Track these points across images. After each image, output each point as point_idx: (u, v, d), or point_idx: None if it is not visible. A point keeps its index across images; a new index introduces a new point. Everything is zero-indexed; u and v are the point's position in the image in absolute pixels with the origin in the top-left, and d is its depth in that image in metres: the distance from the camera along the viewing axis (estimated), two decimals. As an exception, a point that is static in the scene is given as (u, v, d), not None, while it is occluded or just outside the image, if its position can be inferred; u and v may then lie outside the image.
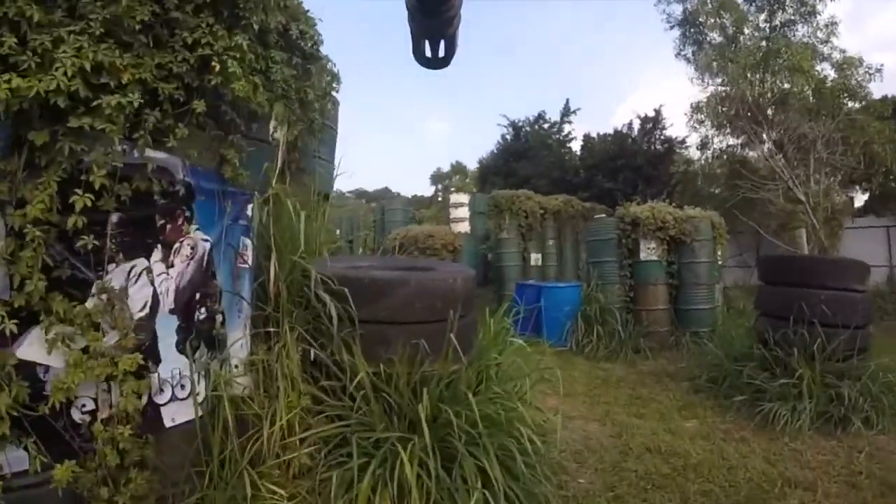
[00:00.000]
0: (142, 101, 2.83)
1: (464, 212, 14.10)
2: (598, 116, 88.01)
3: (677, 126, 27.20)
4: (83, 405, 2.79)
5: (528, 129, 27.74)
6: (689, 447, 5.19)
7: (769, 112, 15.05)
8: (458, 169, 42.60)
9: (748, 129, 15.15)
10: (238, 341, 3.60)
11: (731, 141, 17.08)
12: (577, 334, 9.44)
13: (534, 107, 29.38)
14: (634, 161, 21.74)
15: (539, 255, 14.75)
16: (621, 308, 9.70)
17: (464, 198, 14.20)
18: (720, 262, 10.82)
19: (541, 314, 10.10)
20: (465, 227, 14.05)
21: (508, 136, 28.00)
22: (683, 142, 22.02)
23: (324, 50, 5.04)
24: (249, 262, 3.88)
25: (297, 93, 4.58)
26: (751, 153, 16.67)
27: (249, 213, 3.86)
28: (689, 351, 8.79)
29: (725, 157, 17.13)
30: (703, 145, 17.57)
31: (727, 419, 5.97)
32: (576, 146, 27.08)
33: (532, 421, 4.18)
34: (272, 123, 4.61)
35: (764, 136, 15.40)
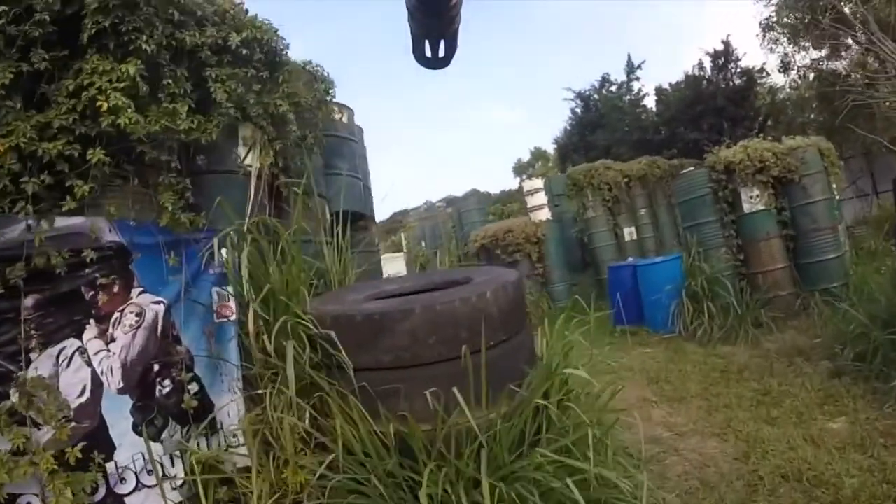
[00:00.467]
0: (16, 170, 2.70)
1: (541, 198, 12.87)
2: (666, 66, 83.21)
3: (752, 55, 25.08)
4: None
5: (595, 96, 26.11)
6: (838, 466, 3.79)
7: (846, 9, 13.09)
8: (539, 155, 40.87)
9: (828, 33, 13.24)
10: (224, 408, 3.32)
11: (815, 54, 15.16)
12: (684, 316, 8.05)
13: (599, 73, 27.59)
14: (714, 103, 19.85)
15: (632, 229, 13.42)
16: (731, 275, 8.26)
17: (537, 183, 13.01)
18: (837, 197, 9.15)
19: (640, 298, 8.83)
20: (545, 214, 12.82)
21: (578, 109, 26.57)
22: (762, 70, 19.99)
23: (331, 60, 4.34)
24: (233, 314, 3.54)
25: (265, 108, 4.20)
26: (838, 64, 14.70)
27: (223, 257, 3.53)
28: (822, 316, 7.25)
29: (812, 75, 15.17)
30: (784, 67, 15.72)
31: (886, 412, 4.49)
32: (650, 103, 25.24)
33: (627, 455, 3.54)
34: (240, 149, 4.26)
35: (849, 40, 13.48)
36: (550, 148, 33.07)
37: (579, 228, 13.82)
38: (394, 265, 32.85)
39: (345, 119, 7.29)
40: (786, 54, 15.59)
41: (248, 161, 4.28)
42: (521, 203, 15.63)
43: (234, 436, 3.31)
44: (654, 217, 13.92)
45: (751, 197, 8.15)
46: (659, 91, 23.71)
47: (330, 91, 6.15)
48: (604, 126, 23.97)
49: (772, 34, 15.27)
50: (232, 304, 3.56)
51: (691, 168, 10.52)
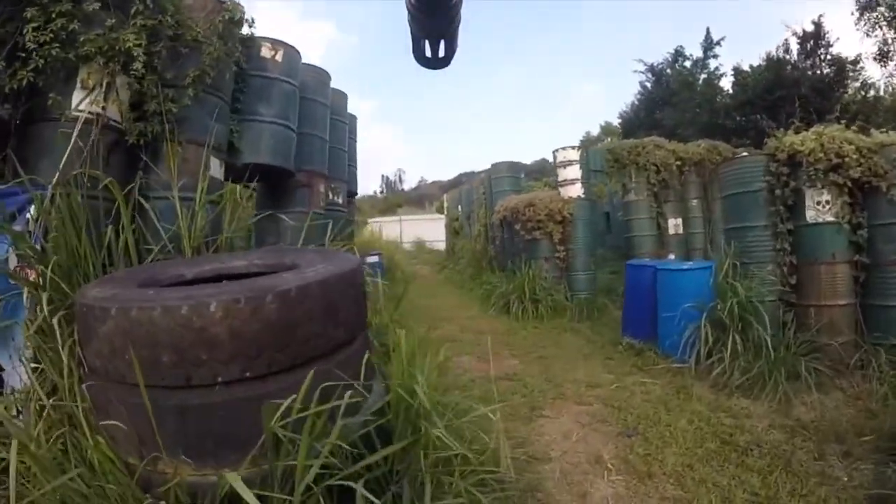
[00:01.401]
0: None
1: (574, 171, 10.98)
2: (750, 44, 77.70)
3: (845, 43, 22.33)
4: None
5: (668, 71, 23.76)
6: None
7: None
8: (609, 130, 38.03)
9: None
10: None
11: None
12: (699, 346, 6.10)
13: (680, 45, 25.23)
14: (797, 90, 17.40)
15: (679, 220, 11.52)
16: (774, 304, 6.22)
17: (572, 154, 11.05)
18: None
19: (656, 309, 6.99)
20: (577, 191, 10.94)
21: (648, 84, 24.42)
22: (857, 61, 17.37)
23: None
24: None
25: (110, 45, 3.96)
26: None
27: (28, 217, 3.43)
28: (885, 385, 5.14)
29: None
30: (882, 55, 13.26)
31: None
32: (726, 84, 22.78)
33: None
34: (75, 94, 3.98)
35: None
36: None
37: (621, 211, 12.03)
38: (421, 227, 32.09)
39: (278, 58, 6.43)
40: (885, 41, 13.13)
41: (83, 106, 3.95)
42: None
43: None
44: (708, 210, 11.86)
45: (818, 203, 6.07)
46: (737, 71, 21.29)
47: (236, 20, 5.54)
48: (673, 104, 21.96)
49: (871, 14, 12.78)
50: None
51: (745, 153, 8.45)
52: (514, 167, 14.81)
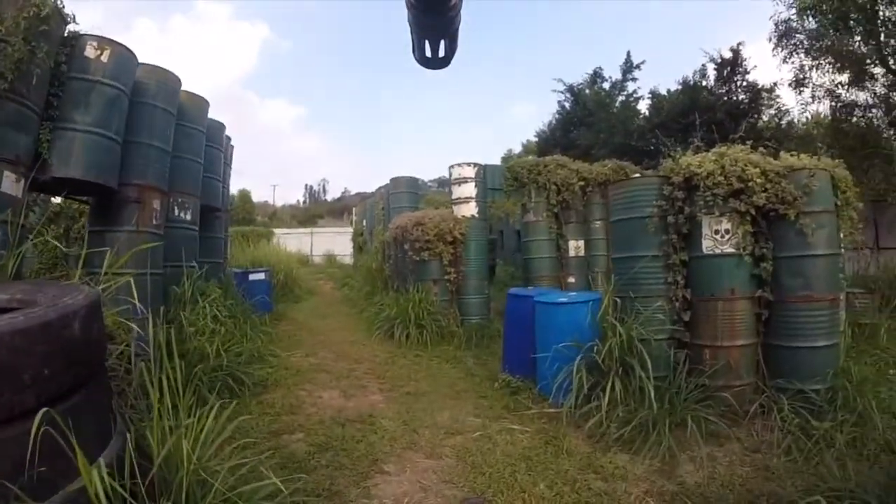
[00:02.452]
0: None
1: (468, 189, 10.25)
2: (672, 70, 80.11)
3: (764, 69, 22.65)
4: None
5: (587, 91, 23.58)
6: None
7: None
8: (529, 148, 37.81)
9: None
10: None
11: (836, 77, 12.69)
12: (576, 390, 5.28)
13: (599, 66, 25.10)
14: (712, 116, 17.35)
15: (581, 243, 10.92)
16: (664, 342, 5.51)
17: (468, 171, 10.31)
18: (842, 250, 6.39)
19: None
20: (470, 210, 10.20)
21: (567, 104, 24.20)
22: (772, 89, 17.65)
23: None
24: None
25: None
26: (860, 94, 12.30)
27: None
28: (787, 436, 4.53)
29: (828, 101, 12.77)
30: (797, 83, 13.21)
31: None
32: (644, 107, 22.92)
33: None
34: None
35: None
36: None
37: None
38: (333, 241, 31.04)
39: (104, 58, 5.73)
40: (801, 67, 13.02)
41: None
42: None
43: None
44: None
45: (716, 232, 5.40)
46: (653, 94, 21.35)
47: (43, 16, 4.79)
48: (588, 125, 21.72)
49: (789, 42, 12.67)
50: None
51: (637, 176, 7.85)
52: (412, 183, 14.02)
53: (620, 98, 24.19)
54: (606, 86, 24.60)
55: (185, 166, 7.59)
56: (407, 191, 13.63)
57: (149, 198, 6.37)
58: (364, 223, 19.84)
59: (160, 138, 6.69)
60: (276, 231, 32.85)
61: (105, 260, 4.63)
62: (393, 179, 13.98)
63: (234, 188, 44.47)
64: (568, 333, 5.60)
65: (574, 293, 7.23)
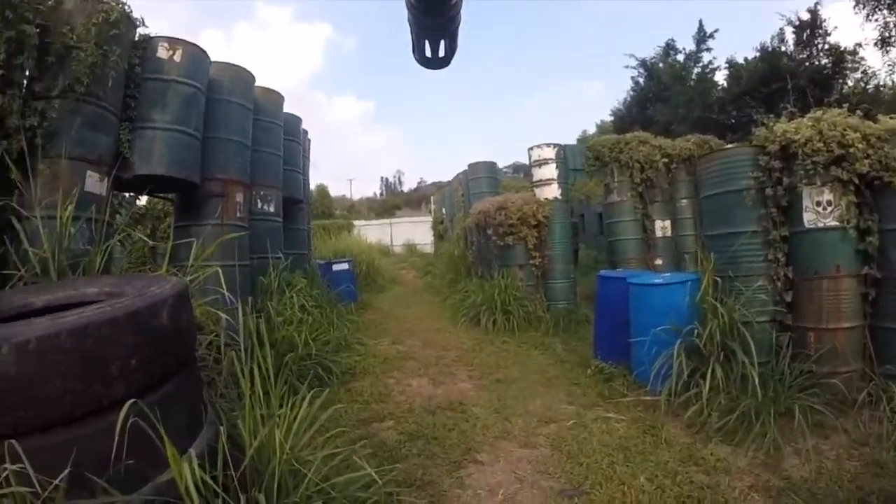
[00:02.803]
0: None
1: (549, 171, 10.01)
2: (746, 37, 75.62)
3: (845, 29, 21.34)
4: None
5: (661, 65, 22.77)
6: None
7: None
8: (604, 128, 36.90)
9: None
10: None
11: None
12: (674, 377, 5.02)
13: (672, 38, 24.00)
14: (795, 82, 16.43)
15: (667, 223, 10.47)
16: (766, 326, 5.20)
17: (548, 152, 10.06)
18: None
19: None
20: (553, 192, 9.97)
21: (641, 80, 23.48)
22: (855, 52, 16.50)
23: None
24: None
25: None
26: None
27: None
28: None
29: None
30: (883, 42, 12.28)
31: None
32: (720, 78, 22.01)
33: None
34: None
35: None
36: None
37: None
38: (413, 230, 31.14)
39: (177, 58, 5.83)
40: (886, 25, 12.14)
41: None
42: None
43: None
44: (699, 210, 10.86)
45: (818, 204, 5.04)
46: (731, 64, 20.42)
47: (113, 21, 4.91)
48: (665, 100, 20.88)
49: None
50: None
51: (730, 146, 7.43)
52: (491, 167, 13.80)
53: (696, 70, 23.30)
54: (681, 58, 23.78)
55: (265, 159, 7.69)
56: (486, 176, 13.48)
57: (231, 191, 6.45)
58: (443, 211, 19.82)
59: (238, 133, 6.77)
60: (356, 223, 33.17)
61: (191, 252, 4.68)
62: (471, 165, 13.86)
63: (311, 184, 44.99)
64: (665, 316, 5.35)
65: (668, 274, 6.93)
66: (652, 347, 5.27)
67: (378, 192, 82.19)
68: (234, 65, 6.95)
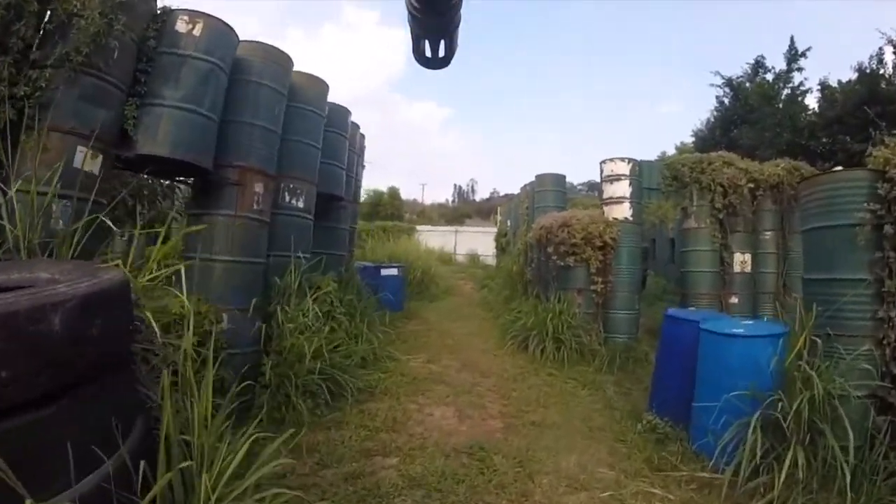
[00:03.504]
0: None
1: (622, 188, 9.04)
2: (841, 56, 71.22)
3: None
4: None
5: (747, 84, 21.58)
6: None
7: None
8: (684, 150, 35.44)
9: None
10: None
11: None
12: (745, 455, 3.92)
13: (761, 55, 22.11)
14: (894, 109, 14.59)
15: (747, 256, 9.43)
16: (864, 402, 4.09)
17: (622, 167, 9.09)
18: None
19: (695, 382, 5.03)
20: (623, 211, 9.00)
21: (726, 100, 22.04)
22: None
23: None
24: None
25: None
26: None
27: None
28: None
29: None
30: None
31: None
32: (812, 101, 20.36)
33: None
34: None
35: None
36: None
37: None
38: (478, 240, 30.27)
39: (196, 32, 5.33)
40: None
41: None
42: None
43: None
44: (784, 246, 9.65)
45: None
46: (823, 86, 18.89)
47: None
48: (751, 122, 19.45)
49: None
50: None
51: (840, 170, 6.32)
52: (559, 181, 12.78)
53: (786, 91, 21.59)
54: (770, 77, 22.05)
55: (299, 150, 7.00)
56: (553, 189, 12.49)
57: (250, 181, 5.75)
58: (508, 223, 18.96)
59: (266, 118, 6.11)
60: (419, 228, 32.66)
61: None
62: (538, 177, 12.92)
63: (383, 184, 45.50)
64: (742, 376, 4.30)
65: (750, 322, 5.76)
66: (721, 415, 4.24)
67: (450, 198, 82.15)
68: (267, 44, 6.31)
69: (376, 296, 9.91)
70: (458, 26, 2.94)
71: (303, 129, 6.99)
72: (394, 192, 45.16)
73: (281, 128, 6.38)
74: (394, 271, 12.23)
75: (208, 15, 5.37)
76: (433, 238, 28.75)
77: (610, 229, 8.83)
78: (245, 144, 5.87)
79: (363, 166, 11.89)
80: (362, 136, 11.37)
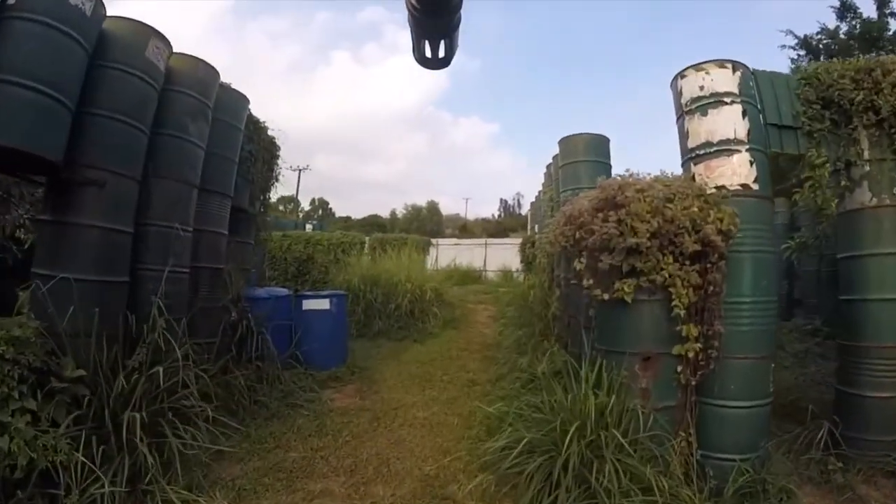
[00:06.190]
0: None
1: (730, 120, 4.03)
2: None
3: None
4: None
5: (827, 41, 16.86)
6: None
7: None
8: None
9: None
10: None
11: None
12: None
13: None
14: None
15: None
16: None
17: (723, 77, 4.10)
18: None
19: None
20: (736, 171, 4.02)
21: (804, 63, 16.95)
22: None
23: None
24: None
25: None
26: None
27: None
28: None
29: None
30: None
31: None
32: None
33: None
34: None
35: None
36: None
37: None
38: (511, 253, 25.04)
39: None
40: None
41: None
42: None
43: None
44: None
45: None
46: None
47: None
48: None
49: None
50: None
51: None
52: (598, 145, 7.21)
53: (881, 43, 16.09)
54: (857, 28, 16.88)
55: (165, 144, 5.47)
56: (588, 159, 6.89)
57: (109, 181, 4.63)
58: (536, 227, 13.88)
59: (126, 109, 4.83)
60: (440, 241, 28.17)
61: None
62: (564, 141, 7.53)
63: (422, 199, 44.79)
64: None
65: None
66: None
67: (496, 213, 79.38)
68: (134, 19, 5.03)
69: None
70: (458, 27, 2.77)
71: (173, 121, 5.60)
72: (433, 207, 42.76)
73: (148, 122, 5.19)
74: (324, 304, 7.41)
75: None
76: (461, 253, 24.76)
77: (716, 212, 3.90)
78: (98, 139, 4.69)
79: (277, 180, 9.20)
80: (272, 136, 8.75)
